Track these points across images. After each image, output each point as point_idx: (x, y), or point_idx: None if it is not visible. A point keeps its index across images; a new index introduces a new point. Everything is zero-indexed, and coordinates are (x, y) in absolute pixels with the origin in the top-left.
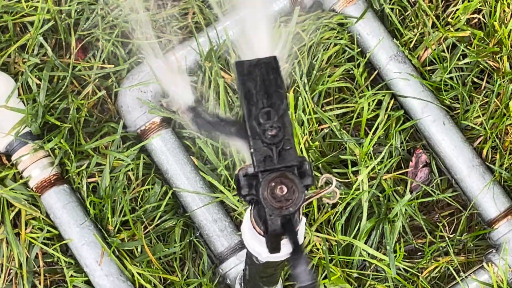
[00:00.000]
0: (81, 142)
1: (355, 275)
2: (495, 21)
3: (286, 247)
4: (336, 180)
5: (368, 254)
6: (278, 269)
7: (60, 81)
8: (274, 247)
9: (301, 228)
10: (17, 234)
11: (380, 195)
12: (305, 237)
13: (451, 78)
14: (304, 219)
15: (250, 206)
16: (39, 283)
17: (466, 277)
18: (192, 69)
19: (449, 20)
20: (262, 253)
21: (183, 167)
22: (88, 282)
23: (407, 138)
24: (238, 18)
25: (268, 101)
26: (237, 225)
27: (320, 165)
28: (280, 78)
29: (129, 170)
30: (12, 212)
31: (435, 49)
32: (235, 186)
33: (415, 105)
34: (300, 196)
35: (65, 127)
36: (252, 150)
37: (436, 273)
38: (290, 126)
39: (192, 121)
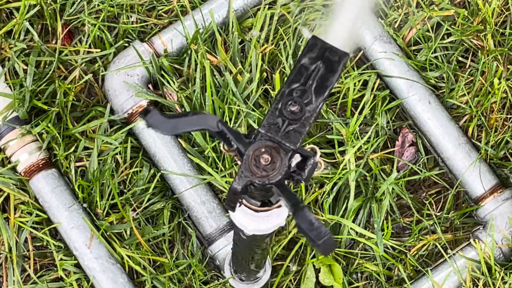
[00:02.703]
0: (68, 126)
1: (343, 254)
2: None
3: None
4: (324, 160)
5: (356, 232)
6: (265, 246)
7: (46, 66)
8: (228, 203)
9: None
10: (6, 219)
11: (367, 174)
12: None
13: (436, 57)
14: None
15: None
16: (29, 267)
17: (453, 254)
18: (179, 52)
19: None
20: (248, 226)
21: (171, 149)
22: (78, 266)
23: (393, 118)
24: (223, 1)
25: (313, 84)
26: (224, 203)
27: (307, 145)
28: (338, 77)
29: (117, 154)
30: (0, 197)
31: (419, 29)
32: (224, 151)
33: (400, 85)
34: (277, 176)
35: (52, 112)
36: (269, 111)
37: (423, 251)
38: (314, 118)
39: (149, 123)
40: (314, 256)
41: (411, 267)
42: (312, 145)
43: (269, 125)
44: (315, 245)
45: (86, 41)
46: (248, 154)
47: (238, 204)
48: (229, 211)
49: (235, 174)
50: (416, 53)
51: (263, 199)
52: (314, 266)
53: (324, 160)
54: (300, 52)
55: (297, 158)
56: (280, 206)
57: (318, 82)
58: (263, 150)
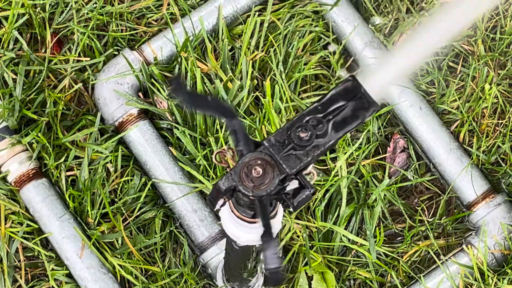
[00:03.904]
0: (58, 136)
1: (336, 261)
2: None
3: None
4: (315, 167)
5: (349, 239)
6: (257, 255)
7: (36, 75)
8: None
9: (279, 214)
10: None
11: (359, 181)
12: (284, 225)
13: (426, 63)
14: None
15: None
16: (20, 278)
17: (446, 260)
18: (169, 60)
19: (423, 5)
20: (241, 237)
21: (162, 158)
22: (69, 276)
23: (384, 124)
24: (213, 8)
25: (332, 119)
26: (217, 214)
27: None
28: (361, 123)
29: (107, 163)
30: None
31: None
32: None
33: (391, 91)
34: (261, 192)
35: (42, 121)
36: (280, 129)
37: (416, 257)
38: (322, 153)
39: (174, 91)
40: (306, 264)
41: (404, 274)
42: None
43: (274, 141)
44: (267, 274)
45: (76, 50)
46: (243, 160)
47: (220, 203)
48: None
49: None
50: None
51: (254, 210)
52: (306, 273)
53: (315, 167)
54: (334, 87)
55: (294, 184)
56: (272, 217)
57: (338, 120)
58: (258, 162)
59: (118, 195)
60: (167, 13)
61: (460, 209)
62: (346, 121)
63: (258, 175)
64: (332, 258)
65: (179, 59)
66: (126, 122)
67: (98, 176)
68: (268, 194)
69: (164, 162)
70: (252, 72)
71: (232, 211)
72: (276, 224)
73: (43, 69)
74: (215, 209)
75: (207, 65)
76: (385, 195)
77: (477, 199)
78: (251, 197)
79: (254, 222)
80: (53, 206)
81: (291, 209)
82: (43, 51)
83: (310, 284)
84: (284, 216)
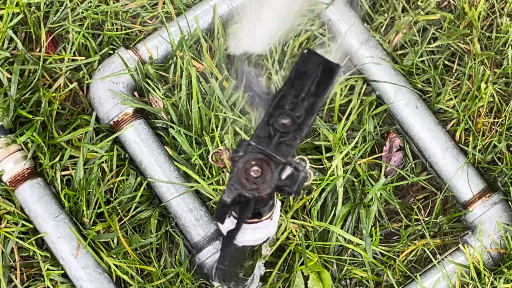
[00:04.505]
0: (54, 135)
1: (332, 260)
2: (465, 3)
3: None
4: (311, 166)
5: (345, 239)
6: (254, 255)
7: (31, 74)
8: (218, 216)
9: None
10: None
11: (355, 180)
12: (280, 224)
13: (422, 61)
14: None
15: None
16: (16, 278)
17: (442, 259)
18: (164, 59)
19: (419, 3)
20: (238, 238)
21: (157, 157)
22: (65, 275)
23: (380, 123)
24: (208, 7)
25: (306, 97)
26: (212, 214)
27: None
28: (331, 88)
29: (103, 162)
30: None
31: (406, 33)
32: (213, 163)
33: (387, 90)
34: (267, 189)
35: (37, 121)
36: (260, 123)
37: (412, 256)
38: (306, 131)
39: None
40: (302, 263)
41: (400, 273)
42: (301, 156)
43: (260, 137)
44: (217, 268)
45: (71, 49)
46: (238, 167)
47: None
48: (218, 223)
49: (225, 186)
50: (403, 58)
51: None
52: (303, 273)
53: (311, 167)
54: (294, 65)
55: (287, 171)
56: (270, 218)
57: (311, 95)
58: (253, 162)
59: (113, 195)
60: (162, 12)
61: (456, 208)
62: (318, 92)
63: (258, 175)
64: (328, 257)
65: (174, 58)
66: (121, 122)
67: (93, 175)
68: (273, 189)
69: (160, 162)
70: None
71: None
72: (274, 223)
73: (38, 69)
74: (223, 223)
75: (202, 64)
76: (381, 194)
77: (473, 198)
78: (258, 198)
79: (252, 223)
80: (48, 206)
81: (293, 195)
82: (38, 50)
83: (306, 284)
84: (280, 216)
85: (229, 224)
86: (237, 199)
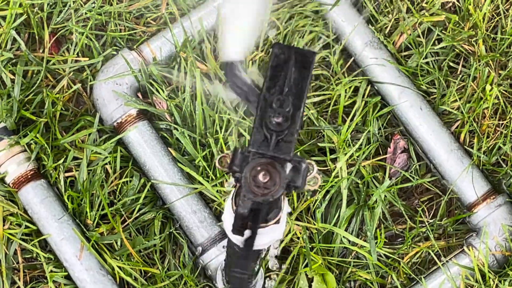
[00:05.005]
0: (57, 137)
1: (336, 262)
2: (470, 4)
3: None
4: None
5: (349, 241)
6: (260, 258)
7: (34, 75)
8: (237, 229)
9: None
10: None
11: (359, 182)
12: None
13: (427, 63)
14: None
15: (236, 188)
16: (19, 279)
17: (447, 261)
18: (168, 60)
19: (424, 4)
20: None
21: (161, 159)
22: (68, 277)
23: (384, 124)
24: (212, 8)
25: (289, 90)
26: (216, 215)
27: (299, 153)
28: (310, 75)
29: (106, 164)
30: None
31: (410, 34)
32: (219, 168)
33: (391, 91)
34: (279, 190)
35: (40, 122)
36: (254, 129)
37: (417, 258)
38: (299, 123)
39: (227, 76)
40: (307, 265)
41: (405, 275)
42: (308, 160)
43: (257, 142)
44: (228, 274)
45: (74, 50)
46: (245, 176)
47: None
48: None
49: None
50: (407, 59)
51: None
52: (307, 275)
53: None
54: (268, 62)
55: (287, 166)
56: (277, 222)
57: (294, 87)
58: (259, 168)
59: (117, 196)
60: (166, 13)
61: (461, 210)
62: (300, 83)
63: (267, 179)
64: (332, 259)
65: (178, 59)
66: (125, 123)
67: (97, 177)
68: (285, 189)
69: (163, 163)
70: None
71: (233, 210)
72: (281, 227)
73: (41, 70)
74: (243, 236)
75: (206, 65)
76: (385, 196)
77: (478, 200)
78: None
79: (260, 227)
80: (51, 207)
81: (300, 188)
82: (41, 51)
83: (310, 286)
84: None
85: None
86: (253, 207)
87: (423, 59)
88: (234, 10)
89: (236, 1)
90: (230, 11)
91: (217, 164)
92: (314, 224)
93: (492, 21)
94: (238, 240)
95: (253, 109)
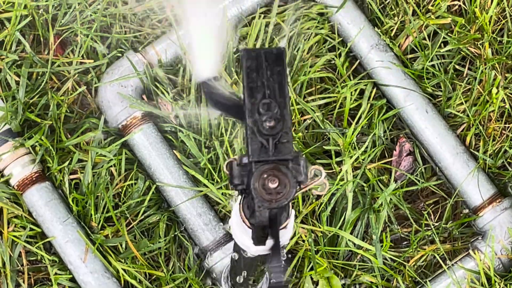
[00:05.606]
0: (62, 139)
1: (342, 266)
2: (476, 7)
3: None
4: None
5: (354, 244)
6: (264, 263)
7: (39, 77)
8: (259, 240)
9: (291, 222)
10: (0, 233)
11: (364, 185)
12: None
13: (433, 65)
14: (293, 213)
15: (241, 197)
16: (23, 282)
17: (452, 265)
18: (173, 62)
19: (430, 7)
20: (252, 247)
21: (166, 161)
22: (73, 280)
23: (390, 127)
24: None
25: (271, 92)
26: (221, 218)
27: (304, 156)
28: (285, 70)
29: (111, 166)
30: None
31: (416, 37)
32: (227, 174)
33: (397, 94)
34: (292, 191)
35: (45, 124)
36: (248, 139)
37: (422, 261)
38: (290, 119)
39: (205, 96)
40: (312, 269)
41: (410, 279)
42: (316, 166)
43: (256, 151)
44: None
45: (79, 52)
46: (255, 188)
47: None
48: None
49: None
50: (413, 62)
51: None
52: (312, 278)
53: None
54: (241, 69)
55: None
56: (285, 227)
57: (274, 87)
58: (265, 176)
59: (122, 199)
60: (172, 14)
61: (467, 213)
62: (278, 81)
63: (277, 185)
64: (337, 263)
65: (183, 61)
66: (130, 125)
67: (101, 179)
68: (297, 189)
69: (169, 166)
70: None
71: (243, 221)
72: (288, 232)
73: (46, 71)
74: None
75: None
76: (391, 199)
77: (483, 204)
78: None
79: None
80: (56, 210)
81: (304, 182)
82: (46, 53)
83: None
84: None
85: (244, 234)
86: (271, 215)
87: (429, 62)
88: (191, 31)
89: (191, 23)
90: (188, 33)
91: (224, 169)
92: (320, 227)
93: (499, 23)
94: (245, 246)
95: (239, 121)
